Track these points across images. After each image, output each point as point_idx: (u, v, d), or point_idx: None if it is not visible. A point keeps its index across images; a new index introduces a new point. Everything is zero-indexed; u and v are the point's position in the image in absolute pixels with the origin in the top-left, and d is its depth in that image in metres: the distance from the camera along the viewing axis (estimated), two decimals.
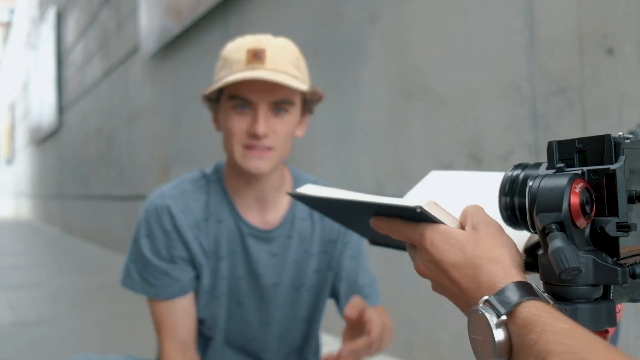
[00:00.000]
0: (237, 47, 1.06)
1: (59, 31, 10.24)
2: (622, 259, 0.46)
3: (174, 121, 4.90)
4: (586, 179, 0.47)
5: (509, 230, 0.54)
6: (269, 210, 1.15)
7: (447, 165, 2.06)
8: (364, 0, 2.49)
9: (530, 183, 0.48)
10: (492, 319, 0.44)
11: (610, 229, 0.45)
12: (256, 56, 1.03)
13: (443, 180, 0.72)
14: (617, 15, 1.51)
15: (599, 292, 0.47)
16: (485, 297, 0.45)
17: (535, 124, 1.74)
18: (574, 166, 0.48)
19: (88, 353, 1.14)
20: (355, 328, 0.94)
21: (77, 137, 9.03)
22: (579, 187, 0.45)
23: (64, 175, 10.29)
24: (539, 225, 0.47)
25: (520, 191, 0.51)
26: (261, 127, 1.02)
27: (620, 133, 0.47)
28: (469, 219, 0.52)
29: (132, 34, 5.83)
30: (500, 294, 0.45)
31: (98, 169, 7.66)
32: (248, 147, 1.05)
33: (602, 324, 0.47)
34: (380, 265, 1.81)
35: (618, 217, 0.45)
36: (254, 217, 1.13)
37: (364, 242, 1.24)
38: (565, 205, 0.45)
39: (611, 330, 0.48)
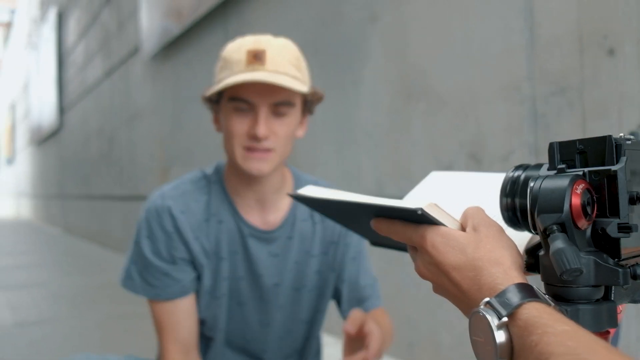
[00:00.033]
0: (237, 48, 1.06)
1: (59, 31, 10.25)
2: (623, 260, 0.47)
3: (175, 121, 4.90)
4: (587, 180, 0.47)
5: (510, 231, 0.54)
6: (270, 211, 1.14)
7: (448, 165, 2.06)
8: (364, 0, 2.49)
9: (531, 184, 0.48)
10: (493, 321, 0.44)
11: (612, 230, 0.45)
12: (256, 57, 1.02)
13: (443, 181, 0.72)
14: (617, 15, 1.51)
15: (600, 293, 0.47)
16: (486, 299, 0.45)
17: (535, 124, 1.74)
18: (575, 167, 0.48)
19: (88, 353, 1.13)
20: (355, 341, 0.95)
21: (77, 137, 9.04)
22: (580, 188, 0.45)
23: (64, 176, 10.30)
24: (540, 226, 0.47)
25: (521, 192, 0.51)
26: (261, 129, 1.02)
27: (621, 134, 0.47)
28: (470, 221, 0.52)
29: (133, 34, 5.83)
30: (501, 295, 0.45)
31: (99, 169, 7.66)
32: (249, 149, 1.05)
33: (604, 325, 0.47)
34: (380, 266, 1.81)
35: (619, 218, 0.45)
36: (254, 218, 1.13)
37: (365, 243, 1.24)
38: (566, 206, 0.45)
39: (612, 331, 0.48)
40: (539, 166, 0.51)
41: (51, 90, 10.61)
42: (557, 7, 1.67)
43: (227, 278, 1.13)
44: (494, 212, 0.55)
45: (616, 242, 0.46)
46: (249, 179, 1.09)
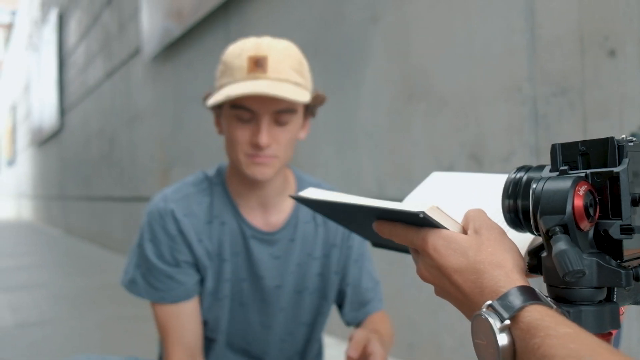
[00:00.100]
0: (239, 53, 1.04)
1: (60, 33, 10.26)
2: (626, 261, 0.47)
3: (175, 123, 4.91)
4: (590, 181, 0.47)
5: (512, 233, 0.53)
6: (272, 213, 1.14)
7: (449, 166, 2.06)
8: (365, 0, 2.49)
9: (534, 185, 0.48)
10: (496, 324, 0.44)
11: (614, 231, 0.45)
12: (258, 64, 1.01)
13: (445, 182, 0.71)
14: (618, 16, 1.51)
15: (603, 295, 0.47)
16: (489, 302, 0.45)
17: (536, 124, 1.74)
18: (577, 169, 0.48)
19: (89, 354, 1.13)
20: None
21: (78, 138, 9.05)
22: (582, 189, 0.45)
23: (65, 177, 10.30)
24: (542, 227, 0.47)
25: (523, 194, 0.51)
26: (264, 139, 1.02)
27: (623, 136, 0.47)
28: (471, 223, 0.52)
29: (134, 35, 5.84)
30: (503, 298, 0.45)
31: (99, 170, 7.67)
32: (251, 156, 1.05)
33: (606, 327, 0.47)
34: (382, 267, 1.80)
35: (622, 219, 0.45)
36: (257, 219, 1.13)
37: (367, 245, 1.24)
38: (569, 208, 0.45)
39: (613, 332, 0.48)
40: (541, 168, 0.51)
41: (52, 91, 10.62)
42: (558, 8, 1.67)
43: (230, 279, 1.12)
44: (496, 214, 0.55)
45: (618, 243, 0.46)
46: (252, 182, 1.09)
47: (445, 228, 0.52)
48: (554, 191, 0.46)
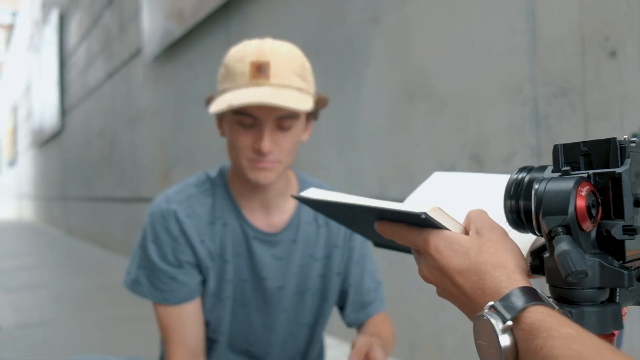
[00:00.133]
0: (240, 57, 1.03)
1: (61, 33, 10.27)
2: (628, 262, 0.47)
3: (176, 123, 4.91)
4: (592, 182, 0.47)
5: (514, 234, 0.53)
6: (275, 214, 1.14)
7: (450, 167, 2.06)
8: (366, 1, 2.49)
9: (536, 186, 0.48)
10: (498, 325, 0.44)
11: (616, 232, 0.45)
12: (260, 70, 1.01)
13: (446, 182, 0.71)
14: (619, 17, 1.51)
15: (605, 295, 0.47)
16: (491, 303, 0.45)
17: (537, 125, 1.74)
18: (579, 169, 0.48)
19: (90, 355, 1.14)
20: None
21: (79, 139, 9.05)
22: (585, 190, 0.45)
23: (66, 177, 10.31)
24: (545, 228, 0.47)
25: (525, 194, 0.51)
26: (266, 145, 1.02)
27: (625, 136, 0.47)
28: (473, 224, 0.52)
29: (135, 36, 5.84)
30: (505, 299, 0.45)
31: (100, 171, 7.67)
32: (254, 161, 1.04)
33: (609, 327, 0.47)
34: (383, 268, 1.80)
35: (624, 220, 0.45)
36: (259, 220, 1.13)
37: (369, 246, 1.24)
38: (571, 209, 0.45)
39: (616, 333, 0.48)
40: (543, 168, 0.51)
41: (53, 92, 10.63)
42: (559, 9, 1.67)
43: (232, 280, 1.12)
44: (498, 214, 0.55)
45: (621, 244, 0.46)
46: (254, 185, 1.09)
47: (447, 229, 0.52)
48: (557, 192, 0.46)
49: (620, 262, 0.46)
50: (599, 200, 0.46)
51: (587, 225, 0.45)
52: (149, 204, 1.16)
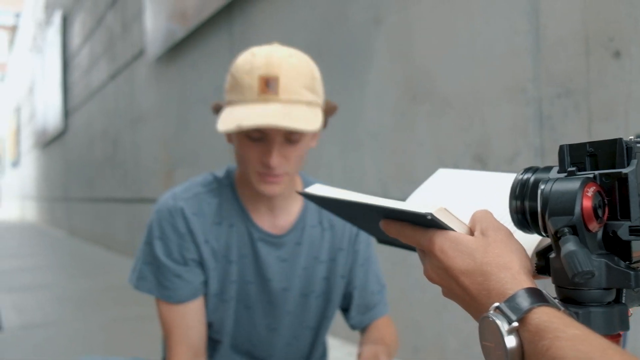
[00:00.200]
0: (249, 69, 1.01)
1: (64, 34, 10.30)
2: (635, 262, 0.46)
3: (179, 124, 4.91)
4: (598, 182, 0.47)
5: (519, 234, 0.53)
6: (280, 216, 1.14)
7: (453, 167, 2.05)
8: (369, 2, 2.49)
9: (542, 187, 0.48)
10: (504, 326, 0.44)
11: (623, 232, 0.45)
12: (269, 85, 0.99)
13: (451, 179, 0.71)
14: (623, 17, 1.50)
15: (612, 296, 0.47)
16: (496, 304, 0.45)
17: (541, 125, 1.74)
18: (585, 170, 0.48)
19: (93, 355, 1.14)
20: None
21: (82, 140, 9.07)
22: (591, 190, 0.45)
23: (69, 178, 10.33)
24: (551, 228, 0.46)
25: (531, 195, 0.50)
26: (274, 160, 1.01)
27: (631, 137, 0.47)
28: (478, 225, 0.52)
29: (138, 37, 5.85)
30: (510, 300, 0.45)
31: (103, 172, 7.69)
32: (262, 174, 1.05)
33: (615, 328, 0.47)
34: (386, 268, 1.79)
35: (630, 220, 0.45)
36: (264, 222, 1.13)
37: (374, 249, 1.24)
38: (577, 209, 0.45)
39: (622, 334, 0.48)
40: (548, 169, 0.51)
41: (56, 93, 10.66)
42: (562, 9, 1.66)
43: (236, 281, 1.12)
44: (503, 215, 0.54)
45: (627, 244, 0.46)
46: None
47: (452, 229, 0.51)
48: (563, 192, 0.46)
49: (627, 262, 0.46)
50: (605, 200, 0.46)
51: (594, 226, 0.45)
52: (153, 204, 1.16)
